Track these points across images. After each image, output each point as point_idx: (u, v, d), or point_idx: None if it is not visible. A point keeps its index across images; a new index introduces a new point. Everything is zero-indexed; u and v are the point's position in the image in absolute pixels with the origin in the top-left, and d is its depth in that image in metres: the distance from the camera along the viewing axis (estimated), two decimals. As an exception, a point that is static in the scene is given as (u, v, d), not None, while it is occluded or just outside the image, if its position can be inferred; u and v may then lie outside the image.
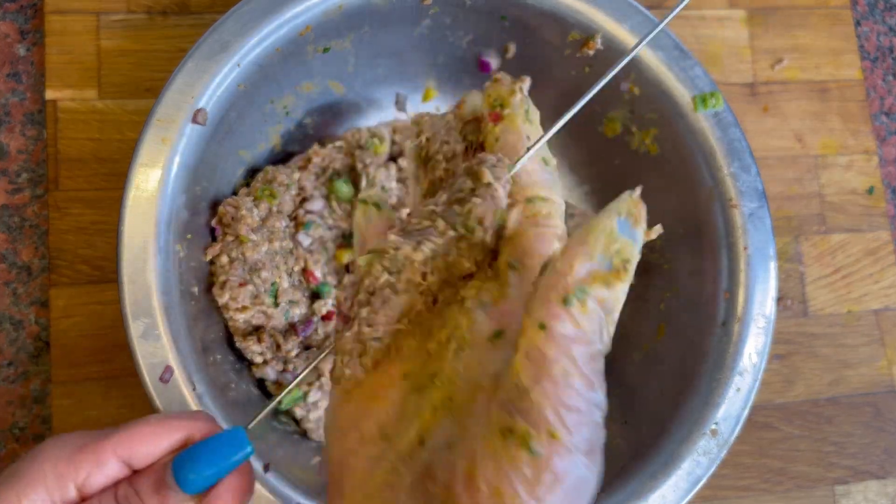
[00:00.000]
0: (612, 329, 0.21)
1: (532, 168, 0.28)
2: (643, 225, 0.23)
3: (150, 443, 0.28)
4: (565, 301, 0.20)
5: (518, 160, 0.27)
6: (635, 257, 0.22)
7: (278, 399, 0.30)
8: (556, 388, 0.19)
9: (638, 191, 0.23)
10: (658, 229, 0.26)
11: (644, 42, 0.33)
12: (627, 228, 0.22)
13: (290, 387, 0.30)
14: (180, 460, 0.28)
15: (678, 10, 0.31)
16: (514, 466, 0.19)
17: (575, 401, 0.20)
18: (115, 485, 0.28)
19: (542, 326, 0.20)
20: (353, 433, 0.24)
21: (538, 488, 0.19)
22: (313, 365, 0.30)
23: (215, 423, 0.30)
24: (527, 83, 0.30)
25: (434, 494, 0.21)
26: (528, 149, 0.28)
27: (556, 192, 0.28)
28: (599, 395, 0.20)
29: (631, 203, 0.23)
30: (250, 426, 0.30)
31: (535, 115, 0.30)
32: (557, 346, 0.20)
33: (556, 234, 0.26)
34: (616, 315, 0.21)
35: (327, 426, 0.26)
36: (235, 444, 0.28)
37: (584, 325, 0.20)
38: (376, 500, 0.23)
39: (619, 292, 0.21)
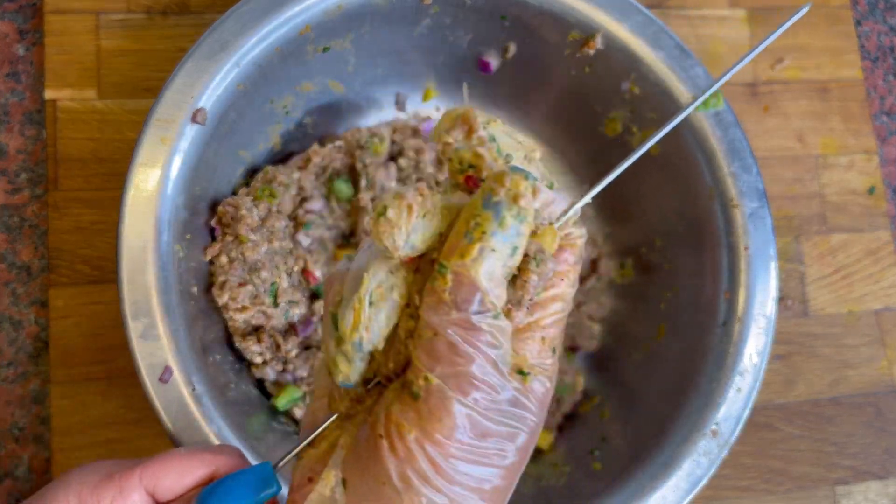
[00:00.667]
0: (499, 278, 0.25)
1: (543, 198, 0.28)
2: (521, 206, 0.25)
3: (176, 475, 0.28)
4: (432, 281, 0.25)
5: (559, 221, 0.27)
6: (495, 230, 0.25)
7: (312, 437, 0.29)
8: (424, 351, 0.25)
9: (527, 172, 0.25)
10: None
11: (701, 100, 0.31)
12: (491, 203, 0.25)
13: (323, 427, 0.29)
14: (206, 494, 0.28)
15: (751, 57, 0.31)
16: (404, 409, 0.25)
17: (439, 361, 0.24)
18: None
19: (419, 309, 0.25)
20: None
21: (422, 420, 0.24)
22: (326, 424, 0.29)
23: (243, 457, 0.30)
24: (476, 126, 0.27)
25: (363, 440, 0.26)
26: (559, 216, 0.28)
27: (577, 207, 0.28)
28: (460, 355, 0.25)
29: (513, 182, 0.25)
30: (280, 465, 0.29)
31: (506, 143, 0.28)
32: (425, 320, 0.25)
33: (573, 248, 0.28)
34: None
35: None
36: (262, 480, 0.28)
37: (443, 295, 0.25)
38: (320, 462, 0.27)
39: (475, 265, 0.25)
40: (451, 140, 0.27)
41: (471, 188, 0.27)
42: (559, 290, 0.27)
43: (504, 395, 0.25)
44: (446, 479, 0.24)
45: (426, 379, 0.24)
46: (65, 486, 0.28)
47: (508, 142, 0.27)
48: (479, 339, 0.24)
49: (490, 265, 0.24)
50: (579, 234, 0.28)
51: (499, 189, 0.25)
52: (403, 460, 0.24)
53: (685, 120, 0.48)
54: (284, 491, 0.29)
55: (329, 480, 0.26)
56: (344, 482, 0.26)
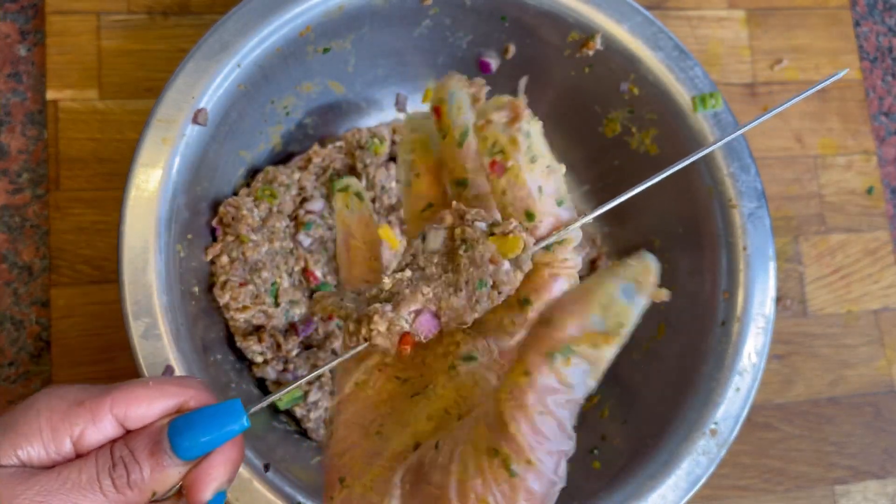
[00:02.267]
0: (597, 377, 0.24)
1: (548, 210, 0.27)
2: (648, 291, 0.24)
3: (146, 405, 0.28)
4: (550, 356, 0.23)
5: (542, 242, 0.27)
6: (632, 323, 0.24)
7: (292, 388, 0.30)
8: (531, 428, 0.23)
9: (650, 258, 0.25)
10: (666, 293, 0.26)
11: (730, 138, 0.31)
12: (630, 294, 0.24)
13: (307, 378, 0.30)
14: (177, 426, 0.28)
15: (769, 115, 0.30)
16: (497, 482, 0.23)
17: (546, 440, 0.23)
18: (111, 443, 0.28)
19: (527, 373, 0.23)
20: (356, 429, 0.28)
21: (515, 496, 0.23)
22: (336, 362, 0.29)
23: (209, 390, 0.30)
24: (523, 116, 0.27)
25: (429, 493, 0.25)
26: (564, 226, 0.27)
27: (574, 227, 0.28)
28: (568, 435, 0.24)
29: (639, 270, 0.24)
30: (251, 412, 0.30)
31: (539, 144, 0.28)
32: (536, 394, 0.23)
33: (569, 275, 0.28)
34: (603, 367, 0.24)
35: (332, 419, 0.29)
36: (232, 415, 0.29)
37: (565, 378, 0.23)
38: (373, 492, 0.27)
39: (607, 352, 0.23)
40: (493, 118, 0.27)
41: (493, 173, 0.27)
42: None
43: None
44: None
45: (528, 461, 0.23)
46: (35, 413, 0.28)
47: (541, 146, 0.28)
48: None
49: None
50: (574, 265, 0.28)
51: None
52: None
53: (685, 120, 0.48)
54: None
55: None
56: None
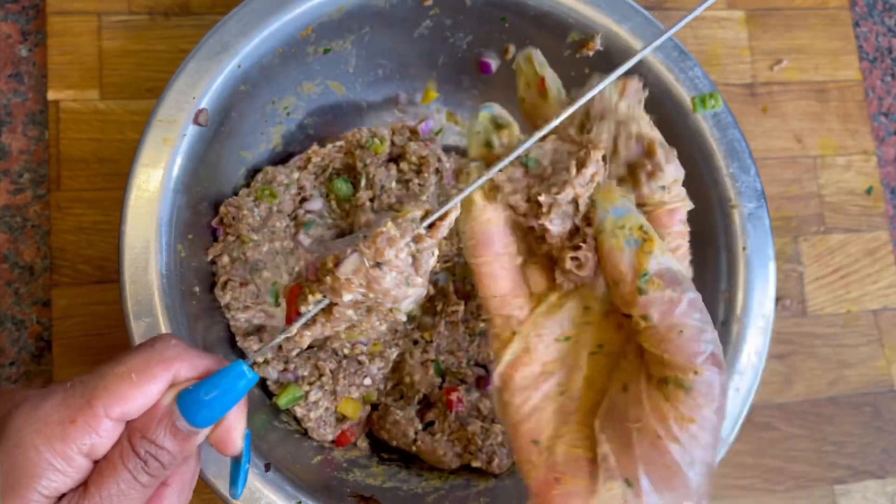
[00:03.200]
0: (686, 264, 0.32)
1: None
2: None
3: (141, 397, 0.29)
4: (640, 291, 0.28)
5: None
6: (643, 221, 0.30)
7: (286, 335, 0.31)
8: (681, 343, 0.27)
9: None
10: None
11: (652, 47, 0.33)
12: (624, 208, 0.30)
13: (304, 318, 0.31)
14: (186, 402, 0.29)
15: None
16: (680, 401, 0.27)
17: (696, 342, 0.28)
18: (128, 442, 0.29)
19: (645, 317, 0.28)
20: (533, 394, 0.31)
21: (698, 408, 0.27)
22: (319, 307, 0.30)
23: (190, 350, 0.30)
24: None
25: (631, 430, 0.28)
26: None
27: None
28: (704, 317, 0.29)
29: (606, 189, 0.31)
30: (250, 360, 0.31)
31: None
32: (672, 315, 0.28)
33: (683, 205, 0.34)
34: (685, 252, 0.34)
35: (500, 391, 0.31)
36: (238, 377, 0.29)
37: (676, 272, 0.30)
38: (579, 448, 0.29)
39: (662, 246, 0.30)
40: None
41: (540, 89, 0.34)
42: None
43: None
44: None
45: (696, 372, 0.27)
46: (33, 450, 0.28)
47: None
48: None
49: None
50: (683, 196, 0.34)
51: None
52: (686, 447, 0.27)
53: (685, 121, 0.48)
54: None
55: (613, 489, 0.28)
56: (627, 482, 0.28)
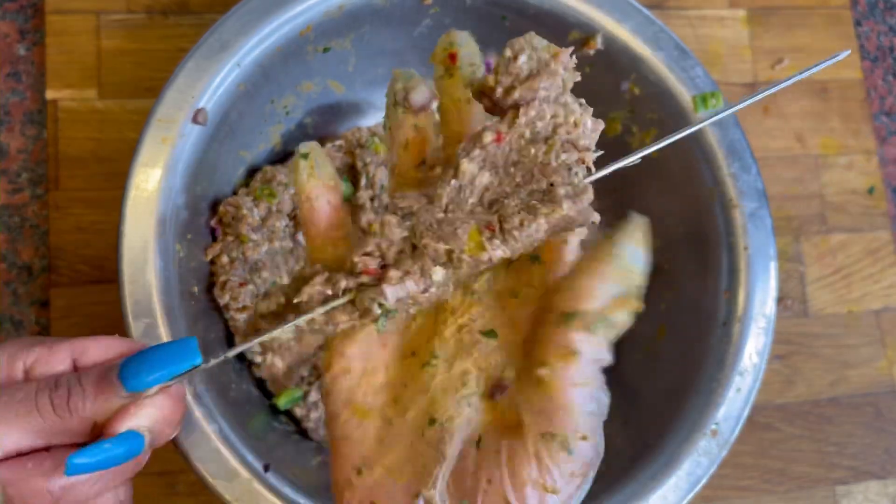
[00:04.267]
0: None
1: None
2: (646, 247, 0.27)
3: (104, 349, 0.29)
4: (592, 328, 0.25)
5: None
6: (644, 281, 0.26)
7: (256, 341, 0.30)
8: (583, 403, 0.25)
9: (637, 216, 0.27)
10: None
11: (733, 109, 0.31)
12: (638, 256, 0.27)
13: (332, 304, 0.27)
14: (128, 361, 0.28)
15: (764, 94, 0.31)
16: (555, 463, 0.24)
17: (594, 413, 0.25)
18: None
19: (574, 352, 0.25)
20: (358, 408, 0.27)
21: (568, 480, 0.24)
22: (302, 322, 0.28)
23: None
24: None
25: (476, 488, 0.25)
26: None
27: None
28: (605, 393, 0.25)
29: (635, 231, 0.28)
30: (209, 365, 0.29)
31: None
32: (585, 368, 0.25)
33: (579, 233, 0.29)
34: (622, 331, 0.26)
35: (326, 399, 0.28)
36: (186, 353, 0.28)
37: (604, 346, 0.25)
38: (399, 474, 0.26)
39: (630, 316, 0.25)
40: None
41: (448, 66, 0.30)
42: None
43: None
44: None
45: (584, 437, 0.25)
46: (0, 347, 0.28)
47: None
48: None
49: None
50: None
51: None
52: None
53: (685, 120, 0.48)
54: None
55: None
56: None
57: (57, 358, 0.28)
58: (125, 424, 0.27)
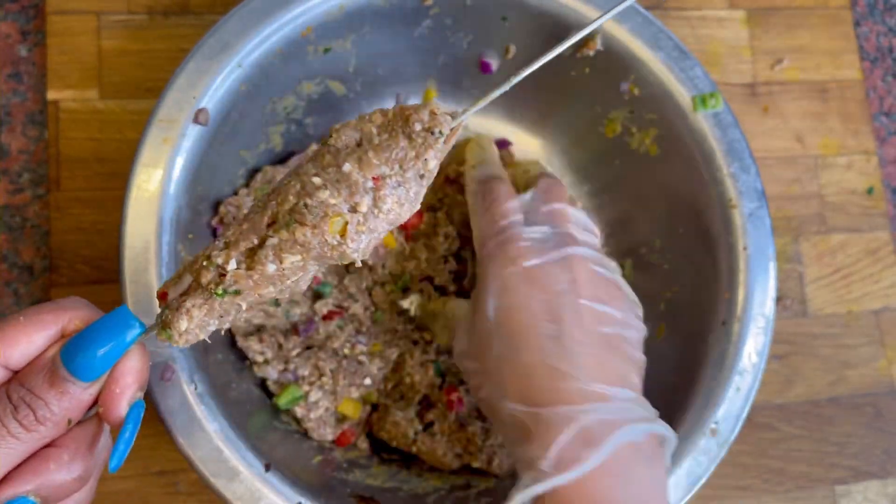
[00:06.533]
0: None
1: None
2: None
3: (25, 342, 0.27)
4: None
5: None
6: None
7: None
8: None
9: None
10: None
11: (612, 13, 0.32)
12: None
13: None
14: (68, 350, 0.27)
15: None
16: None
17: None
18: (4, 386, 0.27)
19: None
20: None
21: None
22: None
23: (89, 306, 0.29)
24: None
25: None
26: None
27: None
28: None
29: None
30: (147, 331, 0.28)
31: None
32: None
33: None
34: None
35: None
36: (123, 323, 0.27)
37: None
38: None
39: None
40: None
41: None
42: None
43: None
44: None
45: None
46: None
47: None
48: None
49: None
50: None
51: None
52: None
53: (685, 120, 0.48)
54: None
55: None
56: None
57: None
58: (124, 403, 0.27)
